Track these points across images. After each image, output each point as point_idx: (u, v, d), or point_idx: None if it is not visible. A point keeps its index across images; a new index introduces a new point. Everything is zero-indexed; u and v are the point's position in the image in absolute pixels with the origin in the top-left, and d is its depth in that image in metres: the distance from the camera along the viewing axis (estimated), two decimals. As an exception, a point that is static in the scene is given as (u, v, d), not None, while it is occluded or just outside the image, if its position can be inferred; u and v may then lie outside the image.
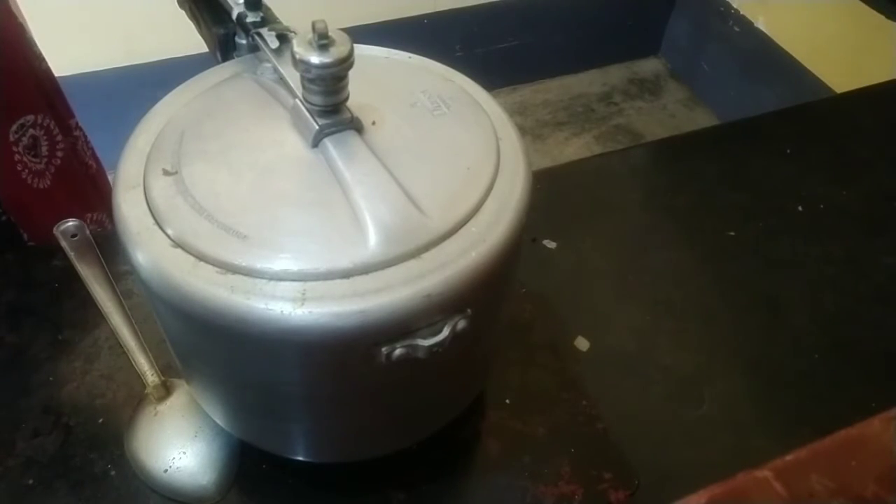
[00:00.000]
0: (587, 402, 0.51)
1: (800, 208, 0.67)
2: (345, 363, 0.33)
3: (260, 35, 0.39)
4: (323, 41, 0.32)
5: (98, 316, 0.53)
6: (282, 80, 0.38)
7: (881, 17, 1.48)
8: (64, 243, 0.53)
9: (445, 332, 0.32)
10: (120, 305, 0.52)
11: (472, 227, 0.33)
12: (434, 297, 0.31)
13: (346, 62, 0.32)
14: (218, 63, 0.43)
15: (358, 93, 0.35)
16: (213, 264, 0.31)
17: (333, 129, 0.35)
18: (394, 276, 0.31)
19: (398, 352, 0.32)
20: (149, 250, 0.32)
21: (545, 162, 1.87)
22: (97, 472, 0.46)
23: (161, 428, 0.48)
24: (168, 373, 0.50)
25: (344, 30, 0.32)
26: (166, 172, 0.35)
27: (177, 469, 0.46)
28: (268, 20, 0.40)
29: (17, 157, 0.60)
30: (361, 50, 0.40)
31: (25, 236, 0.63)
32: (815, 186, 0.69)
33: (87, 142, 0.75)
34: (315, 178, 0.34)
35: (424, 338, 0.32)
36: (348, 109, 0.35)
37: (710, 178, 0.70)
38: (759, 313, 0.59)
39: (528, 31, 1.97)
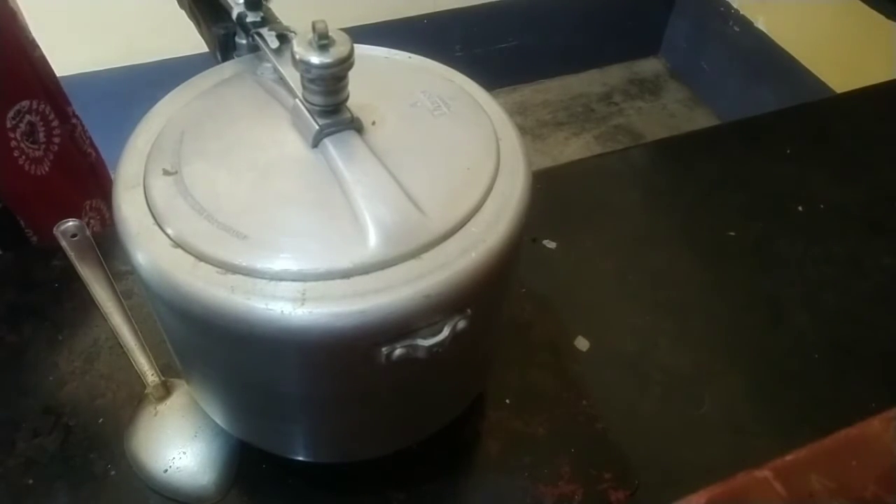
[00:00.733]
0: (587, 402, 0.51)
1: (800, 208, 0.67)
2: (345, 363, 0.33)
3: (260, 35, 0.39)
4: (323, 41, 0.32)
5: (98, 316, 0.53)
6: (282, 80, 0.38)
7: (881, 17, 1.48)
8: (64, 243, 0.53)
9: (445, 332, 0.32)
10: (120, 305, 0.52)
11: (472, 227, 0.33)
12: (434, 298, 0.31)
13: (346, 62, 0.32)
14: (218, 63, 0.43)
15: (358, 93, 0.35)
16: (213, 264, 0.31)
17: (333, 129, 0.35)
18: (394, 276, 0.31)
19: (398, 352, 0.32)
20: (149, 250, 0.32)
21: (545, 162, 1.87)
22: (97, 472, 0.46)
23: (161, 428, 0.48)
24: (168, 373, 0.50)
25: (344, 30, 0.32)
26: (166, 172, 0.35)
27: (177, 469, 0.46)
28: (268, 20, 0.40)
29: (13, 143, 0.60)
30: (361, 50, 0.40)
31: (23, 223, 0.62)
32: (815, 186, 0.69)
33: (84, 130, 0.74)
34: (315, 178, 0.34)
35: (424, 338, 0.32)
36: (348, 109, 0.35)
37: (710, 178, 0.70)
38: (759, 313, 0.59)
39: (528, 31, 1.98)
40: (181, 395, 0.49)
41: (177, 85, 0.40)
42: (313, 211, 0.33)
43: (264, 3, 0.41)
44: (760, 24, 1.83)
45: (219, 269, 0.31)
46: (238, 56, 0.43)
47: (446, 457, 0.48)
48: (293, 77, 0.36)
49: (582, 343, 0.55)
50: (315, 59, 0.32)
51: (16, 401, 0.50)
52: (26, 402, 0.50)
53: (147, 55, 1.58)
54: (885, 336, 0.57)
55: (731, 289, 0.61)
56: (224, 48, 0.43)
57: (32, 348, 0.52)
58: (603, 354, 0.55)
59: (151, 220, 0.33)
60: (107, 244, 0.54)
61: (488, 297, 0.35)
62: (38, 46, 0.67)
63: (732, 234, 0.64)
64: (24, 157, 0.61)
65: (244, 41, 0.42)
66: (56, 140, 0.65)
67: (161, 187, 0.34)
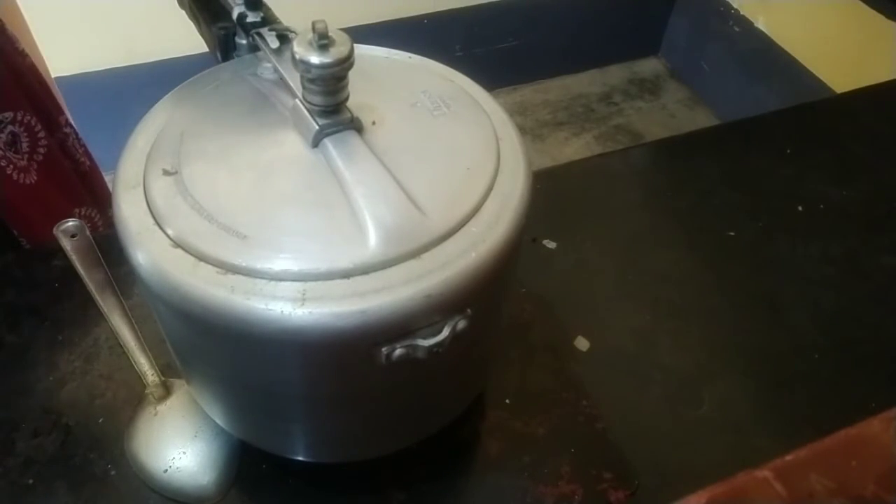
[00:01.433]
0: (587, 402, 0.51)
1: (800, 208, 0.67)
2: (345, 363, 0.33)
3: (260, 35, 0.39)
4: (323, 41, 0.32)
5: (98, 316, 0.53)
6: (282, 80, 0.38)
7: (881, 17, 1.48)
8: (64, 243, 0.53)
9: (445, 332, 0.32)
10: (120, 305, 0.52)
11: (472, 227, 0.33)
12: (434, 297, 0.31)
13: (346, 62, 0.32)
14: (218, 63, 0.43)
15: (358, 93, 0.35)
16: (213, 264, 0.31)
17: (333, 129, 0.35)
18: (394, 276, 0.31)
19: (398, 352, 0.32)
20: (149, 250, 0.32)
21: (545, 162, 1.87)
22: (97, 472, 0.46)
23: (161, 428, 0.48)
24: (168, 373, 0.50)
25: (344, 30, 0.32)
26: (166, 172, 0.35)
27: (177, 469, 0.46)
28: (268, 20, 0.40)
29: None
30: (361, 50, 0.40)
31: (15, 233, 0.62)
32: (815, 186, 0.69)
33: (78, 139, 0.74)
34: (315, 178, 0.34)
35: (424, 338, 0.32)
36: (348, 109, 0.35)
37: (710, 178, 0.70)
38: (759, 313, 0.59)
39: (528, 31, 1.98)
40: (181, 395, 0.49)
41: (177, 85, 0.40)
42: (313, 211, 0.33)
43: (264, 3, 0.41)
44: (760, 23, 1.83)
45: (219, 270, 0.31)
46: (238, 56, 0.43)
47: (446, 457, 0.48)
48: (293, 77, 0.36)
49: (582, 343, 0.55)
50: (315, 59, 0.32)
51: (16, 401, 0.50)
52: (26, 402, 0.50)
53: (147, 55, 1.58)
54: (884, 336, 0.57)
55: (731, 289, 0.60)
56: (224, 48, 0.43)
57: (32, 348, 0.52)
58: (603, 354, 0.55)
59: (151, 220, 0.33)
60: (107, 244, 0.54)
61: (488, 297, 0.35)
62: (27, 55, 0.67)
63: (732, 234, 0.64)
64: (11, 166, 0.61)
65: (244, 41, 0.42)
66: (41, 150, 0.65)
67: (161, 187, 0.34)
